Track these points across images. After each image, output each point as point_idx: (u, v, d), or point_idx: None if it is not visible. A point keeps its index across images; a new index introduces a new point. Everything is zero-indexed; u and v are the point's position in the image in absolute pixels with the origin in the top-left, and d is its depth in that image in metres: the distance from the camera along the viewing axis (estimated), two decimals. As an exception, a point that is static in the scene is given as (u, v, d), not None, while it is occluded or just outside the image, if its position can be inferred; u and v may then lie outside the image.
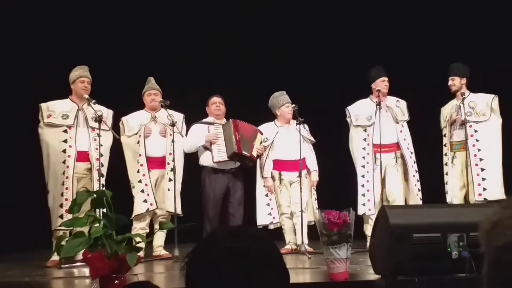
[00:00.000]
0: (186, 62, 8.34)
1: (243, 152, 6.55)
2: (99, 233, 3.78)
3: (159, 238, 6.44)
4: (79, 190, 5.68)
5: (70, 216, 4.31)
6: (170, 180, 6.38)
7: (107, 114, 6.35)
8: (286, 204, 6.77)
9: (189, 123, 6.78)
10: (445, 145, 6.90)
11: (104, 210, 4.03)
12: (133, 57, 7.96)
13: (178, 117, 6.66)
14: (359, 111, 6.88)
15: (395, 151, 6.77)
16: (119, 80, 7.61)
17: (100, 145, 6.08)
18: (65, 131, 6.14)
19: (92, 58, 6.80)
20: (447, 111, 6.90)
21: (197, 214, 6.55)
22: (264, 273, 1.27)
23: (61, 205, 5.94)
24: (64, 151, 6.09)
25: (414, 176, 6.74)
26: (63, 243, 3.91)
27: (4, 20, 7.52)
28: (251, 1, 8.38)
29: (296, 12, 8.52)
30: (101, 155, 6.10)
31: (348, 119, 6.95)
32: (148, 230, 6.37)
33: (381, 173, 6.65)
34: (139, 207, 6.38)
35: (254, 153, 6.68)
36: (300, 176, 6.55)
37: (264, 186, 6.82)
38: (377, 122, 6.59)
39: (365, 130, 6.79)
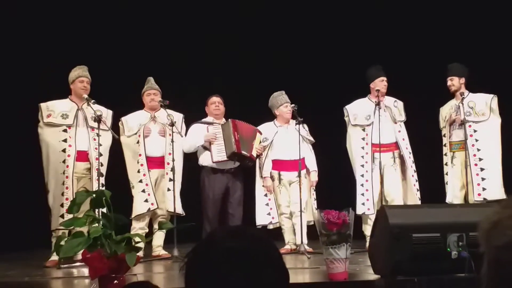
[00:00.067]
0: (186, 62, 8.34)
1: (243, 152, 6.55)
2: (98, 233, 3.77)
3: (159, 238, 6.44)
4: (79, 190, 5.68)
5: (71, 216, 4.30)
6: (170, 180, 6.39)
7: (107, 114, 6.35)
8: (286, 204, 6.77)
9: (189, 123, 6.78)
10: (445, 145, 6.90)
11: (104, 210, 4.03)
12: (133, 57, 7.96)
13: (178, 117, 6.66)
14: (357, 110, 6.88)
15: (393, 151, 6.77)
16: (119, 80, 7.61)
17: (100, 144, 6.08)
18: (65, 130, 6.14)
19: (92, 58, 6.80)
20: (446, 111, 6.91)
21: (197, 214, 6.55)
22: (263, 273, 1.27)
23: (61, 205, 5.94)
24: (64, 150, 6.09)
25: (413, 176, 6.74)
26: (62, 243, 3.91)
27: (4, 20, 7.52)
28: (251, 1, 8.38)
29: (296, 12, 8.53)
30: (100, 154, 6.11)
31: (346, 118, 6.95)
32: (147, 230, 6.37)
33: (380, 172, 6.65)
34: (139, 207, 6.38)
35: (254, 153, 6.68)
36: (299, 176, 6.55)
37: (263, 186, 6.82)
38: (376, 121, 6.60)
39: (363, 130, 6.80)
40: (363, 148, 6.76)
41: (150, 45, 8.19)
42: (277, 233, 6.75)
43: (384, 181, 6.66)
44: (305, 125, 6.81)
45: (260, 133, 6.81)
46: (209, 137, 6.59)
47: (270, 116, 7.02)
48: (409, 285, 4.17)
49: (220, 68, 8.37)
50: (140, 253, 5.15)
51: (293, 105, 6.67)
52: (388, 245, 4.26)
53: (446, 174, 6.86)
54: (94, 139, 6.15)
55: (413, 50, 8.17)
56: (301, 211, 6.43)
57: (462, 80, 6.81)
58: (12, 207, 7.22)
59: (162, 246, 6.51)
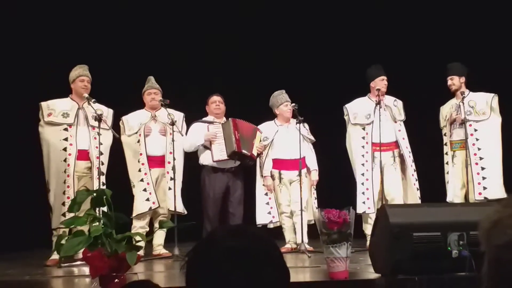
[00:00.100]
0: (186, 62, 8.34)
1: (243, 151, 6.55)
2: (99, 232, 3.78)
3: (159, 237, 6.44)
4: (79, 189, 5.69)
5: (72, 215, 4.31)
6: (171, 179, 6.38)
7: (107, 113, 6.36)
8: (286, 203, 6.77)
9: (189, 122, 6.78)
10: (445, 144, 6.90)
11: (104, 209, 4.04)
12: (133, 57, 7.96)
13: (178, 116, 6.66)
14: (357, 109, 6.88)
15: (393, 150, 6.77)
16: (119, 79, 7.61)
17: (100, 143, 6.08)
18: (66, 129, 6.14)
19: (92, 57, 6.80)
20: (447, 110, 6.91)
21: (197, 213, 6.55)
22: (264, 272, 1.27)
23: (63, 204, 5.92)
24: (65, 149, 6.09)
25: (413, 175, 6.74)
26: (63, 242, 3.91)
27: (4, 20, 7.52)
28: (251, 1, 8.38)
29: (296, 12, 8.52)
30: (101, 153, 6.11)
31: (346, 117, 6.95)
32: (148, 229, 6.37)
33: (380, 172, 6.65)
34: (141, 206, 6.37)
35: (254, 152, 6.68)
36: (300, 175, 6.55)
37: (263, 185, 6.82)
38: (376, 120, 6.60)
39: (363, 129, 6.79)
40: (363, 147, 6.76)
41: (150, 45, 8.19)
42: (278, 232, 6.75)
43: (384, 180, 6.65)
44: (305, 124, 6.81)
45: (261, 132, 6.81)
46: (209, 136, 6.59)
47: (270, 116, 7.02)
48: (410, 284, 4.17)
49: (220, 68, 8.36)
50: (141, 252, 5.16)
51: (293, 104, 6.67)
52: (389, 244, 4.26)
53: (447, 173, 6.86)
54: (95, 138, 6.16)
55: (413, 49, 8.17)
56: (301, 210, 6.44)
57: (462, 79, 6.81)
58: (12, 206, 7.22)
59: (163, 245, 6.51)
